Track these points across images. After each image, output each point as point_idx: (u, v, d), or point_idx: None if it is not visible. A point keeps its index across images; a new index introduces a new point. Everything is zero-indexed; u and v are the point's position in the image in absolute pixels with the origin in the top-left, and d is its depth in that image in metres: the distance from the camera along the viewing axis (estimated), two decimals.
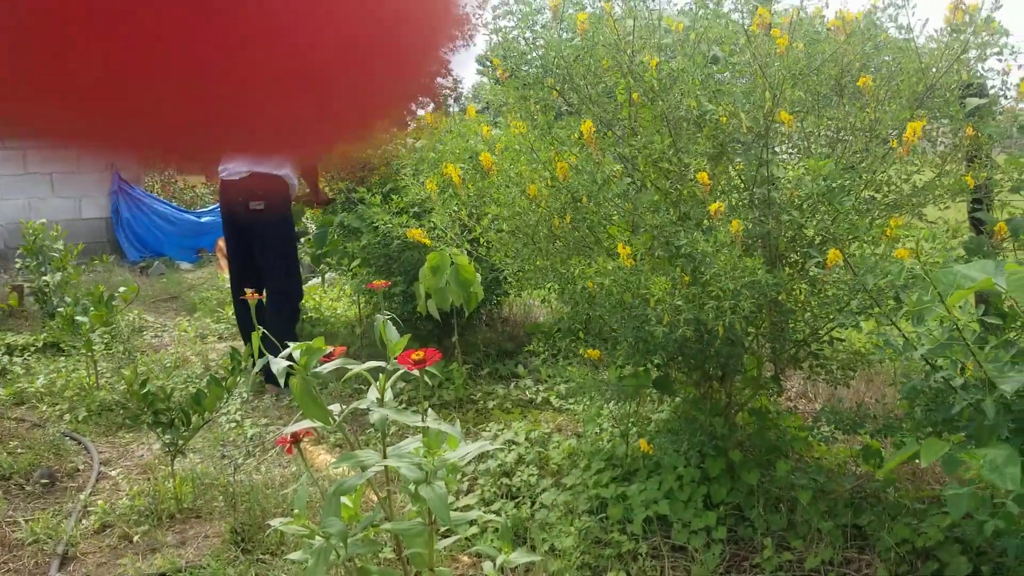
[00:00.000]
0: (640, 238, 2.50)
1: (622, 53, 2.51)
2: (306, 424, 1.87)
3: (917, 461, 2.20)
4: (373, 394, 1.84)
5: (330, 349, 1.90)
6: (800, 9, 2.75)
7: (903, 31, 2.46)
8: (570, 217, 2.78)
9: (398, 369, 1.86)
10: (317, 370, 1.84)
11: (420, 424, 1.72)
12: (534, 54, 2.65)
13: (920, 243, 2.01)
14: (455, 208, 3.19)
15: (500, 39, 2.72)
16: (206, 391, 3.34)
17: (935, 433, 2.33)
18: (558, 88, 2.70)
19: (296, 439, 1.93)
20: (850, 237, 2.54)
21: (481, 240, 3.12)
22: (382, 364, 1.88)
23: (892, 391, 3.77)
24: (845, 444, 3.38)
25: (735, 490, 2.94)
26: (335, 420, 1.85)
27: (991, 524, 1.86)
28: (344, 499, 2.00)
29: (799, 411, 3.86)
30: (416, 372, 1.87)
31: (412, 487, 1.66)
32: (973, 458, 1.92)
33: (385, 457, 1.80)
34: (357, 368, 1.85)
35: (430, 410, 1.81)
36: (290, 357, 1.89)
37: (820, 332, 2.83)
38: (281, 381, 1.78)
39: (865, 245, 2.56)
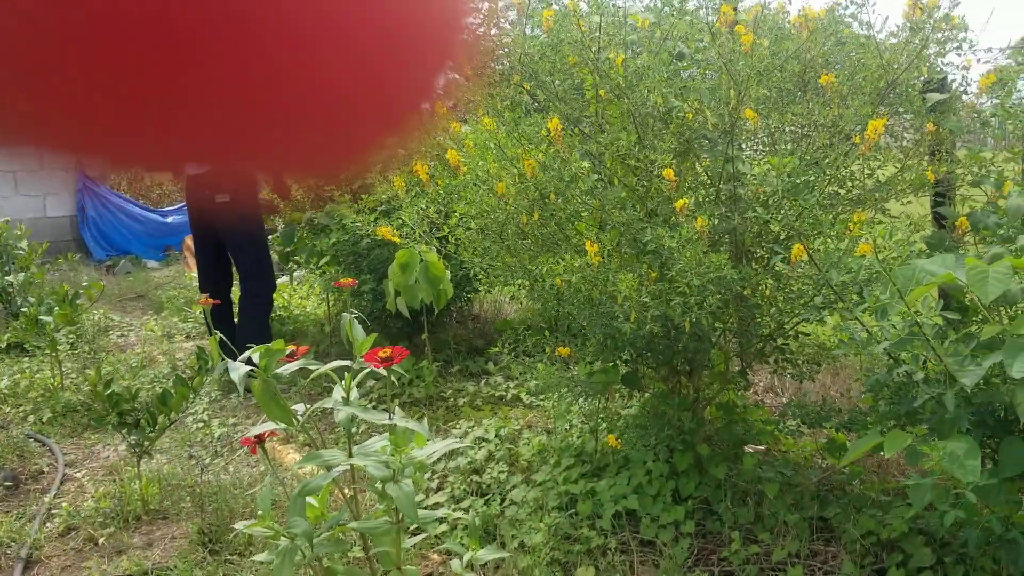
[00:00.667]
0: (607, 235, 2.51)
1: (587, 50, 2.51)
2: (270, 426, 1.86)
3: (881, 453, 2.23)
4: (339, 393, 1.83)
5: (292, 349, 1.89)
6: (763, 6, 2.77)
7: (864, 27, 2.48)
8: (538, 214, 2.78)
9: (364, 368, 1.85)
10: (278, 371, 1.82)
11: (387, 422, 1.71)
12: (500, 51, 2.65)
13: (881, 239, 2.03)
14: (423, 206, 3.18)
15: (466, 36, 2.71)
16: (172, 391, 3.31)
17: (898, 426, 2.36)
18: (525, 85, 2.69)
19: (260, 440, 1.92)
20: (814, 232, 2.56)
21: (450, 238, 3.11)
22: (348, 363, 1.87)
23: (857, 385, 3.80)
24: (811, 437, 3.41)
25: (703, 484, 2.96)
26: (299, 421, 1.83)
27: (952, 515, 1.89)
28: (310, 499, 1.99)
29: (766, 405, 3.89)
30: (383, 371, 1.86)
31: (379, 485, 1.65)
32: (934, 450, 1.95)
33: (351, 456, 1.79)
34: (321, 369, 1.83)
35: (397, 408, 1.80)
36: (251, 360, 1.87)
37: (786, 327, 2.85)
38: (240, 389, 1.76)
39: (829, 240, 2.58)
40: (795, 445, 3.38)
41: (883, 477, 3.13)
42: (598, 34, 2.66)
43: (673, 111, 2.63)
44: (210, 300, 2.31)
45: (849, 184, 2.71)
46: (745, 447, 3.12)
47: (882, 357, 2.19)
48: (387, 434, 1.84)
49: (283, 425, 1.85)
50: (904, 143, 2.80)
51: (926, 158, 2.77)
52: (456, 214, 2.97)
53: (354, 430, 1.91)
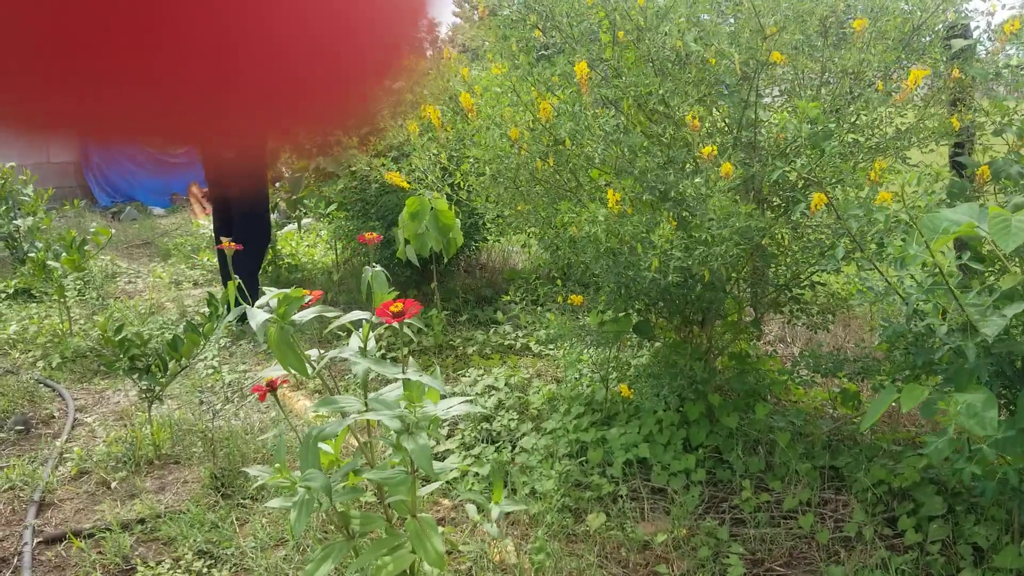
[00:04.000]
0: (626, 182, 2.47)
1: None
2: (281, 372, 1.84)
3: (895, 405, 2.22)
4: (356, 343, 1.82)
5: (308, 295, 1.86)
6: None
7: None
8: (552, 160, 2.74)
9: (381, 322, 1.83)
10: (294, 319, 1.81)
11: (401, 376, 1.69)
12: None
13: (904, 187, 1.99)
14: (435, 152, 3.13)
15: None
16: (183, 337, 3.30)
17: (913, 376, 2.35)
18: (540, 27, 2.63)
19: (272, 387, 1.91)
20: (834, 180, 2.52)
21: (461, 184, 3.07)
22: (364, 314, 1.85)
23: (870, 336, 3.79)
24: (823, 387, 3.41)
25: (714, 433, 2.96)
26: (313, 368, 1.82)
27: (969, 470, 1.88)
28: (324, 445, 1.98)
29: (778, 355, 3.88)
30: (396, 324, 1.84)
31: (394, 437, 1.64)
32: (951, 404, 1.93)
33: (367, 406, 1.78)
34: (341, 319, 1.82)
35: (411, 361, 1.78)
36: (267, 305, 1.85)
37: (801, 276, 2.82)
38: (260, 336, 1.74)
39: (849, 189, 2.54)
40: (807, 395, 3.38)
41: (894, 427, 3.13)
42: None
43: (692, 55, 2.57)
44: (232, 243, 2.28)
45: (869, 132, 2.66)
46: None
47: (899, 307, 2.16)
48: (400, 383, 1.83)
49: (296, 372, 1.83)
50: (925, 90, 2.74)
51: (947, 106, 2.71)
52: (469, 159, 2.93)
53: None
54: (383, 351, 4.27)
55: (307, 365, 1.86)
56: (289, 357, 1.85)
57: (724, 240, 2.26)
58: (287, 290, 1.81)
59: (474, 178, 2.95)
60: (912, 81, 2.13)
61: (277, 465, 1.81)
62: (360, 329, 1.85)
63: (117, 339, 3.29)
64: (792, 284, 2.83)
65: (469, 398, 1.83)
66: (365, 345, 1.80)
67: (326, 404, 1.81)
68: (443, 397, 1.84)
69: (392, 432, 1.65)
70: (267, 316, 1.78)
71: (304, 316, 1.85)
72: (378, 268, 1.94)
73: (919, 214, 2.05)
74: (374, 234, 2.20)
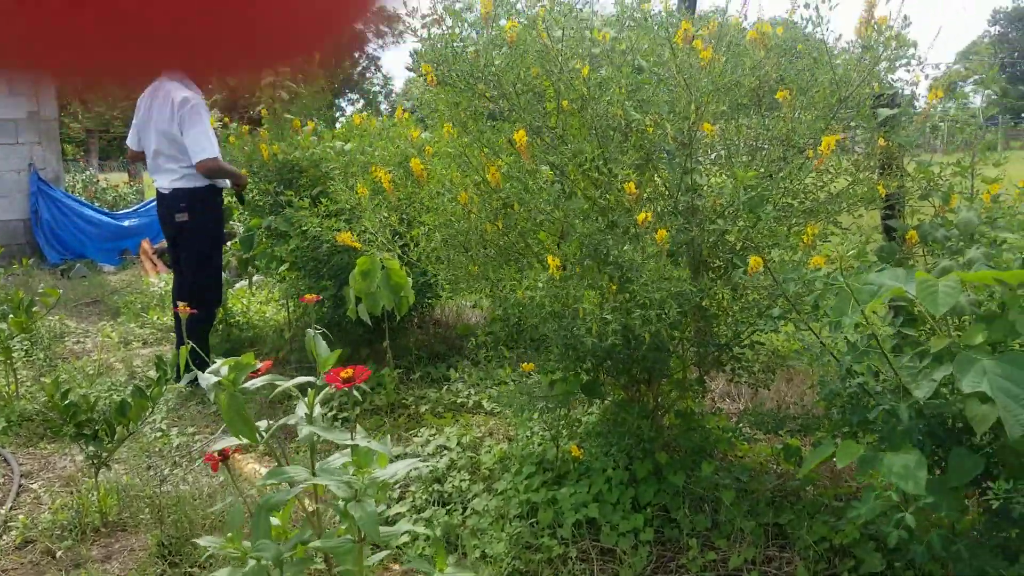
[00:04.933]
0: (569, 246, 2.54)
1: (553, 61, 2.54)
2: (232, 441, 1.86)
3: (834, 460, 2.28)
4: (302, 409, 1.84)
5: (259, 365, 1.89)
6: (720, 21, 2.83)
7: (817, 44, 2.54)
8: (501, 223, 2.81)
9: (327, 385, 1.86)
10: (245, 386, 1.83)
11: (350, 442, 1.72)
12: (464, 60, 2.67)
13: (836, 251, 2.08)
14: (385, 214, 3.19)
15: (429, 46, 2.73)
16: (131, 402, 3.28)
17: (851, 434, 2.42)
18: (489, 95, 2.71)
19: (224, 456, 1.91)
20: (770, 244, 2.62)
21: (412, 247, 3.12)
22: (311, 380, 1.88)
23: (812, 391, 3.88)
24: (767, 443, 3.48)
25: (662, 491, 3.00)
26: (262, 437, 1.84)
27: (895, 535, 1.94)
28: (273, 517, 1.99)
29: (724, 411, 3.95)
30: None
31: (342, 504, 1.66)
32: (883, 464, 2.00)
33: (314, 473, 1.80)
34: (286, 384, 1.84)
35: (359, 427, 1.81)
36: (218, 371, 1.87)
37: (742, 336, 2.90)
38: (211, 397, 1.76)
39: (784, 251, 2.64)
40: (751, 451, 3.44)
41: (836, 482, 3.20)
42: (562, 46, 2.69)
43: (633, 123, 2.67)
44: (187, 308, 2.29)
45: (803, 196, 2.77)
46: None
47: (836, 367, 2.24)
48: (349, 451, 1.85)
49: (246, 440, 1.85)
50: (856, 156, 2.87)
51: (877, 171, 2.84)
52: (420, 224, 2.99)
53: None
54: (335, 411, 4.27)
55: (257, 434, 1.88)
56: (240, 425, 1.86)
57: (661, 303, 2.32)
58: (236, 358, 1.83)
59: (425, 241, 3.00)
60: (825, 147, 2.24)
61: (229, 535, 1.81)
62: (308, 394, 1.88)
63: (63, 404, 3.25)
64: (733, 343, 2.91)
65: (417, 461, 1.84)
66: (311, 411, 1.82)
67: (275, 475, 1.82)
68: (392, 461, 1.86)
69: (340, 500, 1.67)
70: (215, 380, 1.80)
71: (254, 384, 1.87)
72: (320, 330, 1.97)
73: (850, 278, 2.14)
74: (314, 295, 2.24)
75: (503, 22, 2.72)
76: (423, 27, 2.85)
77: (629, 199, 2.48)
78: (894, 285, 2.08)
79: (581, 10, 2.68)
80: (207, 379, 1.72)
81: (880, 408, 2.01)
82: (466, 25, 2.72)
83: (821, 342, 2.21)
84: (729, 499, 2.87)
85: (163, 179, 4.78)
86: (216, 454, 1.91)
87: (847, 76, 2.42)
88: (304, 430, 1.74)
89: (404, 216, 3.23)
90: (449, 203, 2.77)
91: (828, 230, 2.80)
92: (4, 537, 3.24)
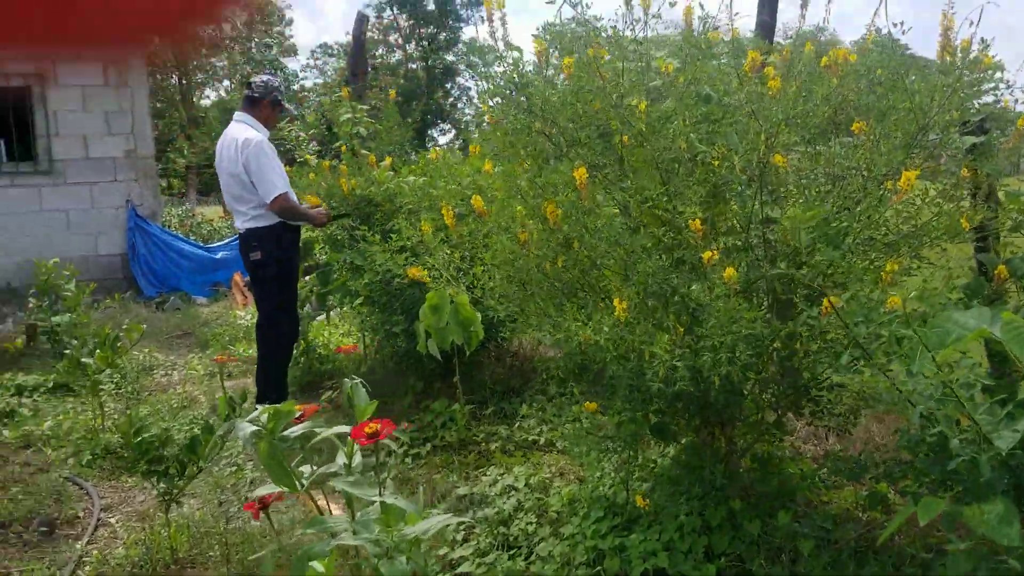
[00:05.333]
0: (633, 288, 2.44)
1: (609, 96, 2.47)
2: (273, 488, 1.82)
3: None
4: (341, 459, 1.79)
5: (300, 411, 1.85)
6: (794, 47, 2.70)
7: (895, 70, 2.40)
8: (562, 261, 2.73)
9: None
10: (285, 434, 1.79)
11: (377, 499, 1.66)
12: (522, 99, 2.62)
13: (910, 292, 1.93)
14: (447, 252, 3.15)
15: (489, 85, 2.69)
16: (201, 438, 3.30)
17: (937, 482, 2.25)
18: (546, 133, 2.65)
19: (264, 504, 1.88)
20: (847, 280, 2.46)
21: (476, 284, 3.07)
22: (345, 430, 1.83)
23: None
24: (853, 488, 3.28)
25: (737, 540, 2.85)
26: (302, 485, 1.79)
27: None
28: (318, 564, 1.94)
29: (807, 454, 3.75)
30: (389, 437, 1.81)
31: (374, 560, 1.60)
32: (971, 516, 1.84)
33: (353, 523, 1.74)
34: (324, 434, 1.80)
35: (389, 482, 1.75)
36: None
37: (820, 378, 2.74)
38: (248, 447, 1.73)
39: (864, 288, 2.48)
40: (837, 496, 3.25)
41: (925, 532, 2.98)
42: (621, 79, 2.61)
43: (699, 156, 2.57)
44: (224, 359, 2.29)
45: (884, 229, 2.61)
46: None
47: (914, 414, 2.08)
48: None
49: (287, 489, 1.81)
50: (942, 186, 2.69)
51: (968, 201, 2.65)
52: (481, 262, 2.94)
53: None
54: (406, 448, 4.25)
55: (297, 481, 1.84)
56: (278, 474, 1.83)
57: (730, 347, 2.20)
58: (275, 406, 1.80)
59: (486, 278, 2.94)
60: (904, 182, 2.09)
61: None
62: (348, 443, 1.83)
63: (136, 441, 3.30)
64: (811, 386, 2.75)
65: (449, 517, 1.78)
66: (350, 462, 1.78)
67: (314, 525, 1.78)
68: (423, 516, 1.80)
69: (372, 557, 1.62)
70: (254, 430, 1.77)
71: (293, 432, 1.84)
72: (357, 380, 1.93)
73: (928, 317, 1.99)
74: (351, 345, 2.20)
75: (556, 60, 2.66)
76: (484, 65, 2.82)
77: (695, 236, 2.37)
78: (975, 325, 1.92)
79: (640, 43, 2.60)
80: (244, 428, 1.70)
81: (960, 459, 1.85)
82: (523, 62, 2.67)
83: (897, 388, 2.05)
84: (808, 550, 2.70)
85: (237, 220, 4.91)
86: (256, 501, 1.87)
87: (925, 103, 2.27)
88: (337, 484, 1.69)
89: (467, 253, 3.18)
90: (508, 241, 2.70)
91: (912, 265, 2.63)
92: (78, 572, 3.29)
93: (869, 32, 2.61)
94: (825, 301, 2.19)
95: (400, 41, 40.90)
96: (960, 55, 2.24)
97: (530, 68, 2.76)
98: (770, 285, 2.71)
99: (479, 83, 2.77)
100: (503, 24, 2.74)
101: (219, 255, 10.46)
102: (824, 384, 2.82)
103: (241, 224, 4.85)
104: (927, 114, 2.30)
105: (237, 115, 4.96)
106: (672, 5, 2.74)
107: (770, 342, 2.42)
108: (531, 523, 3.23)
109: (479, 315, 4.11)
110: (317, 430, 1.83)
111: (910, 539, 2.88)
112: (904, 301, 2.02)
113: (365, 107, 5.78)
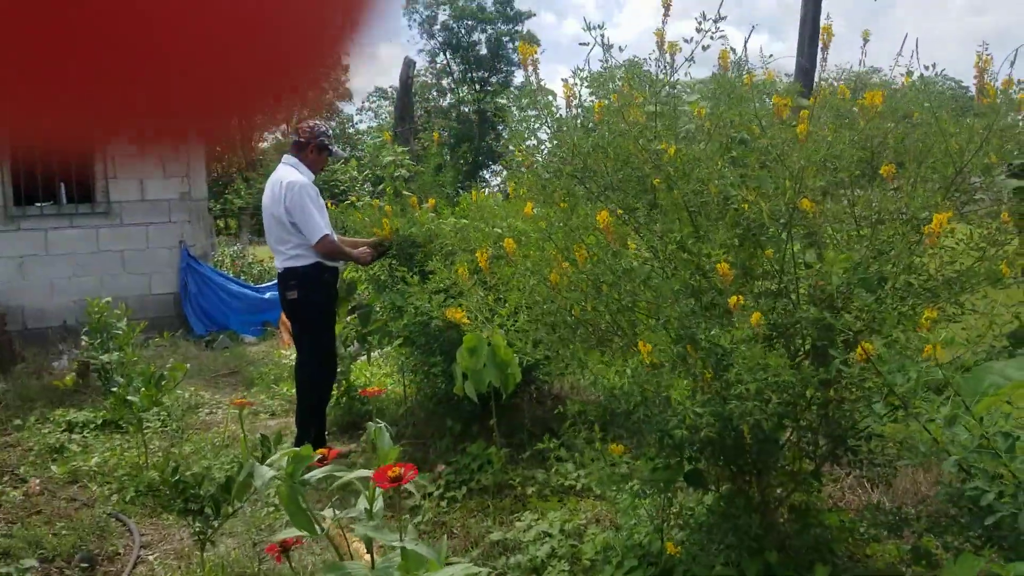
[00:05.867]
0: (659, 334, 2.41)
1: (638, 141, 2.46)
2: (294, 532, 1.82)
3: None
4: (363, 504, 1.78)
5: (320, 455, 1.85)
6: (828, 91, 2.68)
7: (930, 110, 2.35)
8: (591, 304, 2.71)
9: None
10: (306, 477, 1.79)
11: (398, 544, 1.65)
12: (553, 143, 2.62)
13: (949, 340, 1.88)
14: (481, 294, 3.15)
15: (518, 127, 2.70)
16: (236, 479, 3.32)
17: (983, 538, 2.16)
18: (577, 175, 2.65)
19: (285, 547, 1.88)
20: (886, 326, 2.40)
21: (507, 325, 3.06)
22: (367, 474, 1.82)
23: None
24: (896, 543, 3.17)
25: None
26: (322, 529, 1.79)
27: None
28: None
29: (852, 505, 3.65)
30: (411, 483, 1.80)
31: None
32: (1011, 574, 1.76)
33: (373, 570, 1.73)
34: (346, 477, 1.79)
35: (411, 527, 1.74)
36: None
37: (859, 426, 2.67)
38: (265, 489, 1.73)
39: (907, 335, 2.42)
40: (879, 550, 3.15)
41: None
42: (653, 123, 2.61)
43: (730, 200, 2.54)
44: (243, 402, 2.31)
45: (923, 274, 2.55)
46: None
47: (952, 467, 2.01)
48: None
49: (306, 533, 1.81)
50: (987, 230, 2.62)
51: (1010, 246, 2.58)
52: (508, 304, 2.93)
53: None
54: (442, 490, 4.22)
55: (316, 525, 1.83)
56: (298, 518, 1.83)
57: (758, 393, 2.16)
58: (295, 449, 1.80)
59: (511, 321, 2.94)
60: (936, 225, 2.04)
61: None
62: (369, 488, 1.82)
63: (172, 480, 3.34)
64: (849, 435, 2.67)
65: (471, 566, 1.75)
66: (371, 506, 1.77)
67: (334, 570, 1.77)
68: (448, 563, 1.78)
69: None
70: (273, 474, 1.77)
71: (314, 475, 1.84)
72: (381, 424, 1.92)
73: (967, 368, 1.93)
74: (375, 388, 2.20)
75: (588, 102, 2.67)
76: (517, 109, 2.84)
77: (722, 280, 2.34)
78: (1020, 376, 1.86)
79: (672, 86, 2.59)
80: (263, 473, 1.70)
81: (1000, 514, 1.78)
82: (554, 108, 2.68)
83: (935, 439, 1.99)
84: None
85: (277, 260, 4.98)
86: (278, 544, 1.87)
87: (963, 146, 2.22)
88: (358, 529, 1.68)
89: (500, 296, 3.18)
90: (537, 284, 2.70)
91: (954, 312, 2.56)
92: None
93: (905, 75, 2.57)
94: (859, 348, 2.14)
95: (452, 85, 41.54)
96: (1001, 96, 2.19)
97: (563, 112, 2.77)
98: (806, 331, 2.66)
99: (511, 126, 2.78)
100: (535, 69, 2.76)
101: (268, 295, 10.60)
102: (863, 433, 2.74)
103: (280, 264, 4.92)
104: (964, 157, 2.25)
105: (285, 158, 5.06)
106: (705, 49, 2.74)
107: (803, 389, 2.36)
108: (564, 571, 3.17)
109: (516, 357, 4.09)
110: (338, 473, 1.83)
111: None
112: (941, 348, 1.96)
113: (406, 149, 5.85)
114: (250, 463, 1.83)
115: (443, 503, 4.17)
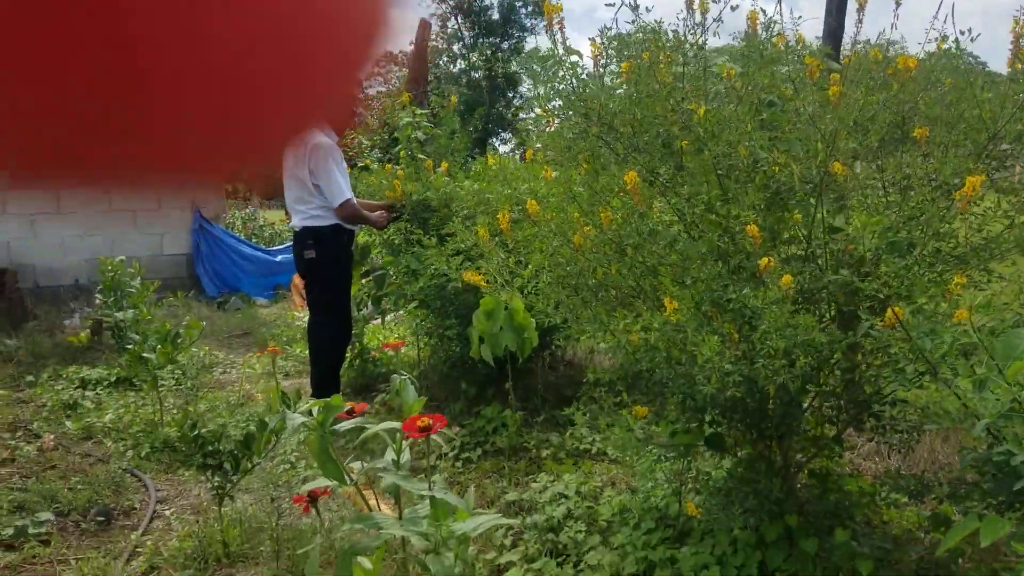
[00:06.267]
0: (687, 292, 2.40)
1: (667, 101, 2.44)
2: (323, 482, 1.83)
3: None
4: (390, 455, 1.79)
5: (350, 405, 1.86)
6: (860, 54, 2.64)
7: (964, 76, 2.32)
8: (615, 267, 2.70)
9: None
10: (335, 428, 1.79)
11: (427, 493, 1.65)
12: (579, 103, 2.60)
13: (977, 308, 1.86)
14: (503, 255, 3.14)
15: (544, 90, 2.67)
16: (255, 434, 3.34)
17: (1005, 504, 2.16)
18: (603, 137, 2.63)
19: (313, 498, 1.89)
20: (913, 292, 2.39)
21: (528, 288, 3.05)
22: (395, 426, 1.83)
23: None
24: (915, 508, 3.18)
25: (792, 557, 2.78)
26: (351, 479, 1.79)
27: None
28: (364, 560, 1.94)
29: (868, 472, 3.65)
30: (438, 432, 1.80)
31: (421, 556, 1.59)
32: None
33: (401, 519, 1.74)
34: (373, 429, 1.79)
35: (439, 478, 1.74)
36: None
37: (883, 392, 2.66)
38: (296, 438, 1.74)
39: (930, 301, 2.40)
40: (898, 516, 3.16)
41: (992, 554, 2.88)
42: (682, 84, 2.58)
43: (759, 163, 2.52)
44: (275, 349, 2.31)
45: (953, 241, 2.53)
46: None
47: (980, 432, 2.00)
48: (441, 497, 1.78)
49: (336, 482, 1.81)
50: (1015, 198, 2.59)
51: None
52: (530, 266, 2.92)
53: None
54: (457, 451, 4.24)
55: (346, 475, 1.84)
56: (328, 467, 1.83)
57: (787, 353, 2.15)
58: (326, 399, 1.81)
59: (532, 283, 2.93)
60: (969, 189, 2.02)
61: None
62: (396, 439, 1.83)
63: (191, 435, 3.35)
64: (873, 400, 2.67)
65: (499, 516, 1.76)
66: (398, 457, 1.77)
67: (360, 520, 1.78)
68: (474, 514, 1.78)
69: (420, 552, 1.61)
70: (303, 420, 1.78)
71: (343, 426, 1.84)
72: (405, 376, 1.92)
73: (1000, 331, 1.91)
74: (397, 341, 2.20)
75: (614, 66, 2.63)
76: (542, 69, 2.80)
77: (751, 243, 2.32)
78: None
79: (700, 47, 2.56)
80: (295, 420, 1.70)
81: None
82: (582, 67, 2.65)
83: (964, 404, 1.98)
84: (867, 570, 2.62)
85: (295, 218, 4.96)
86: (307, 495, 1.88)
87: (996, 112, 2.19)
88: (386, 479, 1.68)
89: (521, 259, 3.17)
90: (561, 245, 2.68)
91: (981, 278, 2.54)
92: (132, 562, 3.35)
93: (939, 40, 2.53)
94: (888, 312, 2.12)
95: (463, 50, 41.20)
96: None
97: (588, 73, 2.74)
98: (832, 296, 2.65)
99: (536, 88, 2.75)
100: (560, 29, 2.73)
101: (279, 258, 10.62)
102: (887, 399, 2.74)
103: (298, 222, 4.90)
104: (997, 123, 2.22)
105: None
106: (734, 9, 2.70)
107: (831, 352, 2.35)
108: (580, 531, 3.19)
109: (533, 321, 4.09)
110: (368, 426, 1.83)
111: (974, 563, 2.77)
112: (971, 313, 1.94)
113: (425, 111, 5.81)
114: (281, 411, 1.84)
115: (458, 464, 4.19)
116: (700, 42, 2.66)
